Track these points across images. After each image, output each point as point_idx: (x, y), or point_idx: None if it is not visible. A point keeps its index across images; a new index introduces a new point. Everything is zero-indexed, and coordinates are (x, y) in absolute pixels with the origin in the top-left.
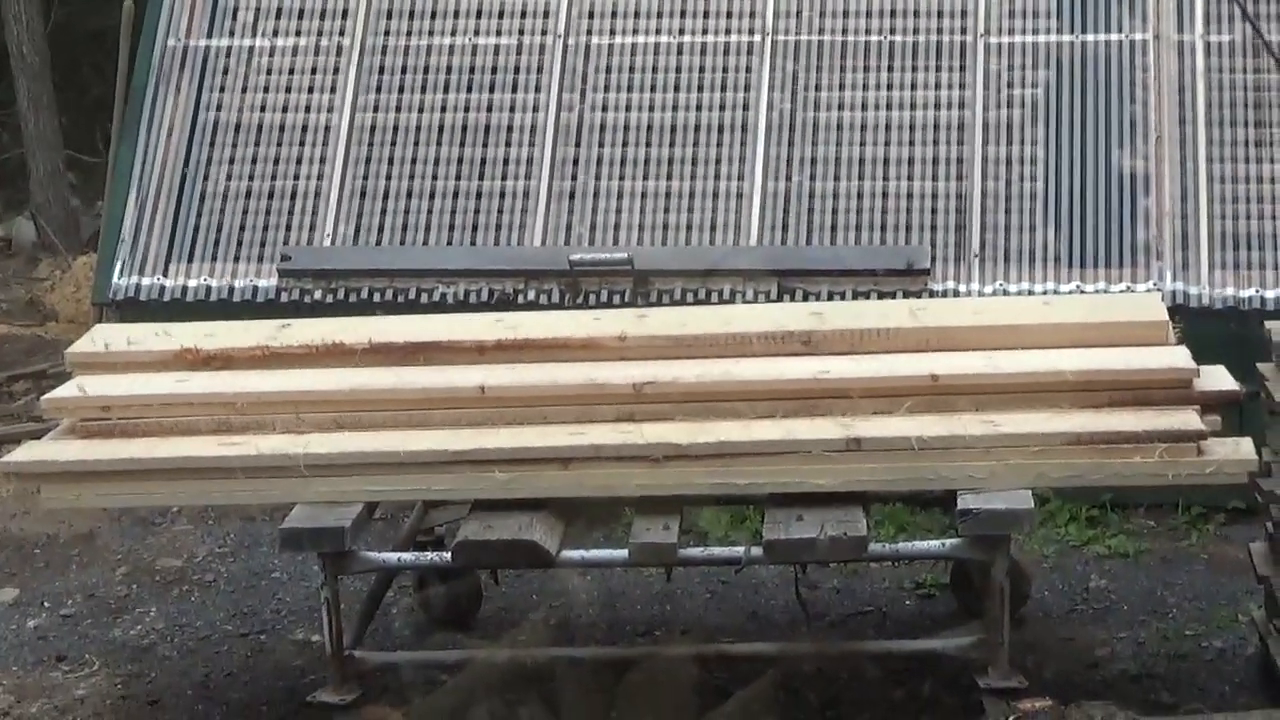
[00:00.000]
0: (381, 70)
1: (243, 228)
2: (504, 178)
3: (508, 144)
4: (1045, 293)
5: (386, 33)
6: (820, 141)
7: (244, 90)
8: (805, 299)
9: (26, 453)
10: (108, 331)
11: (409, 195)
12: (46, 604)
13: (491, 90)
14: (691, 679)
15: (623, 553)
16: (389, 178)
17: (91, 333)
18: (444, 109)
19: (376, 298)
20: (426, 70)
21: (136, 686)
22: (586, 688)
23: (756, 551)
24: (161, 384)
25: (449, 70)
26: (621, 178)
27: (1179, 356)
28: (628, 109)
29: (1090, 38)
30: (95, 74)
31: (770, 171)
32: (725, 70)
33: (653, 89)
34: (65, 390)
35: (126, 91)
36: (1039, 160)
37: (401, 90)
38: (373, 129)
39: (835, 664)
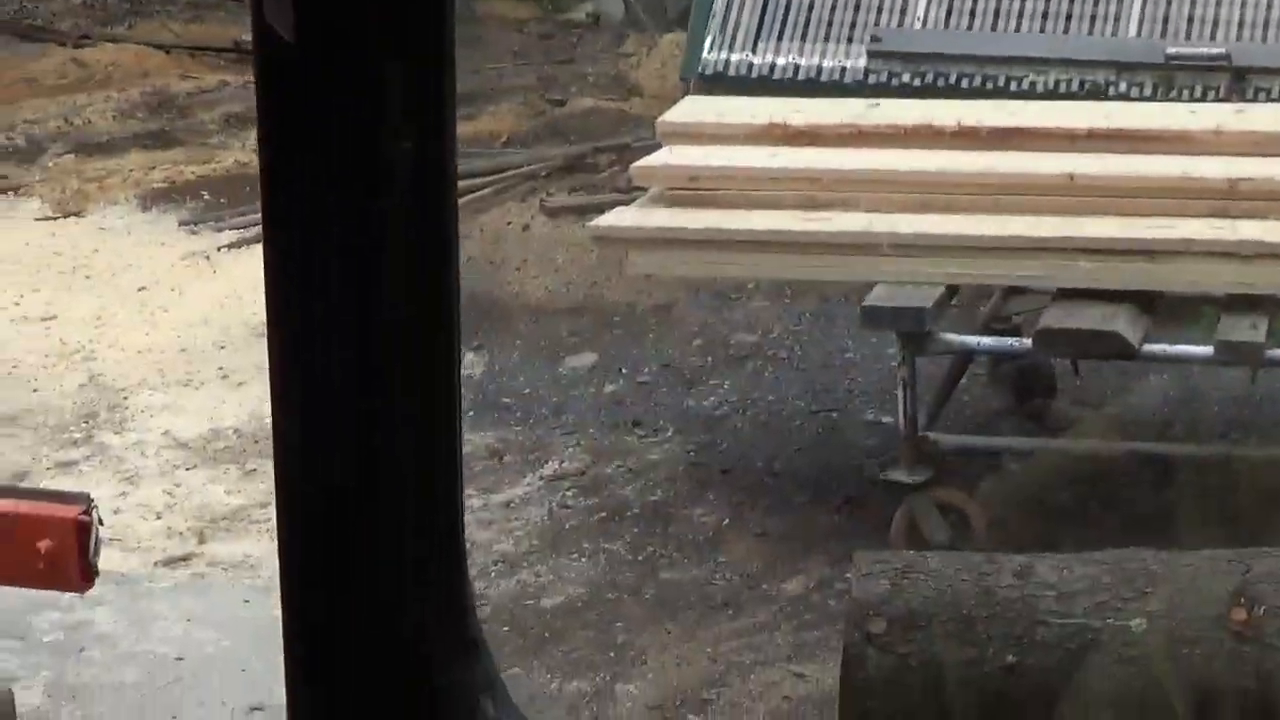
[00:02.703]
0: None
1: (833, 7)
2: None
3: None
4: None
5: None
6: None
7: None
8: None
9: (614, 218)
10: (698, 103)
11: None
12: (623, 370)
13: None
14: (1267, 485)
15: (1208, 349)
16: None
17: (682, 103)
18: None
19: (965, 84)
20: None
21: (709, 455)
22: (1156, 487)
23: None
24: (749, 157)
25: None
26: None
27: None
28: None
29: None
30: None
31: None
32: None
33: None
34: (655, 158)
35: None
36: None
37: None
38: None
39: None
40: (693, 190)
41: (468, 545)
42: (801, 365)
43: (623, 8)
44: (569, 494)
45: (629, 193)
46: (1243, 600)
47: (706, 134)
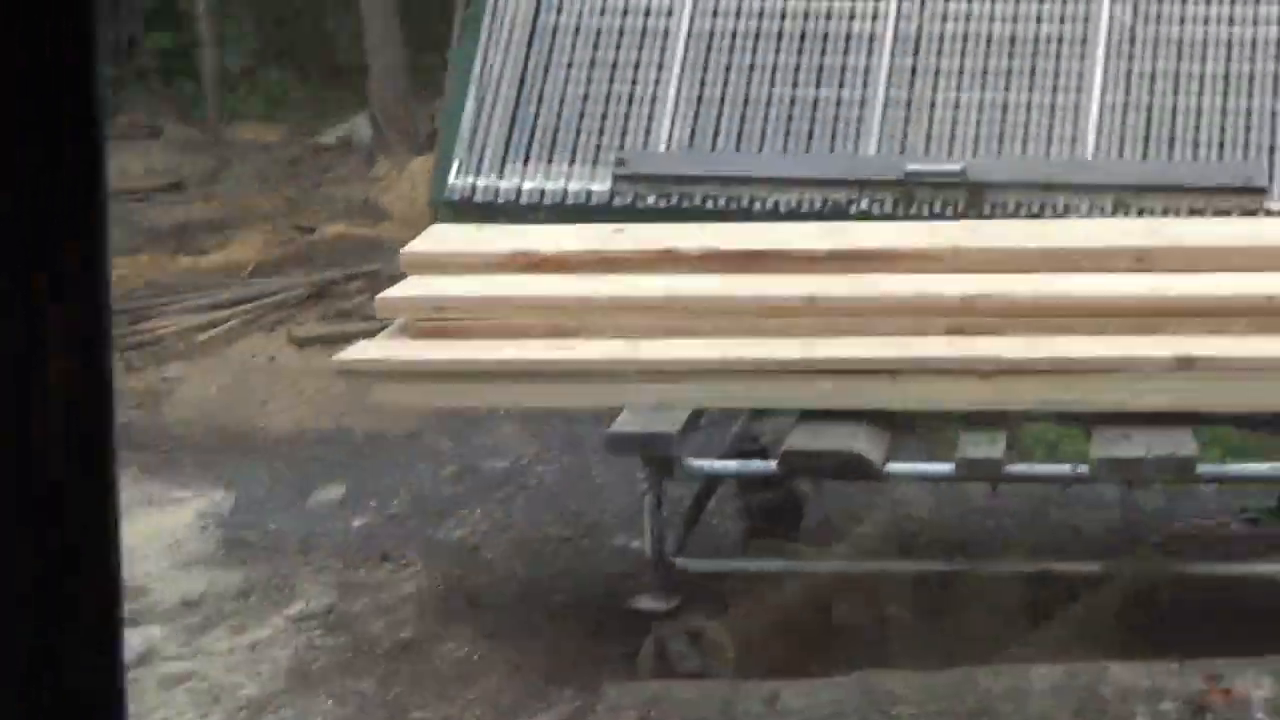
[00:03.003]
0: None
1: (579, 131)
2: (840, 86)
3: (845, 52)
4: None
5: None
6: (1160, 56)
7: None
8: (1140, 214)
9: (360, 351)
10: (443, 232)
11: (745, 102)
12: (373, 502)
13: None
14: (1012, 597)
15: (949, 466)
16: (726, 84)
17: (427, 233)
18: (783, 16)
19: (710, 205)
20: None
21: (459, 587)
22: (905, 602)
23: (1083, 469)
24: (495, 285)
25: None
26: (958, 88)
27: None
28: (967, 19)
29: None
30: None
31: (1108, 85)
32: None
33: (993, 0)
34: (399, 290)
35: None
36: None
37: None
38: (711, 34)
39: (1158, 585)
40: (438, 321)
41: (212, 689)
42: (553, 491)
43: (372, 131)
44: (316, 633)
45: (381, 320)
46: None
47: (451, 264)
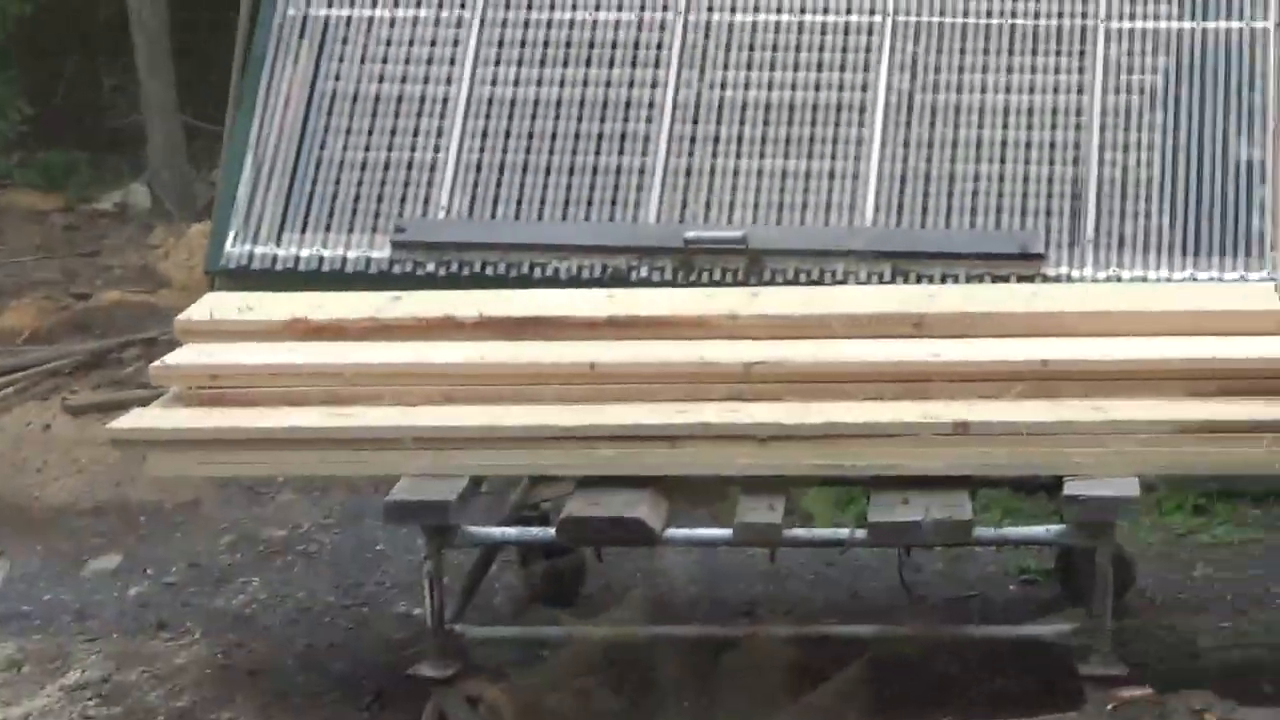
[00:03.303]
0: (501, 43)
1: (357, 198)
2: (620, 153)
3: (625, 120)
4: (1158, 280)
5: (507, 5)
6: (938, 124)
7: (363, 60)
8: (918, 281)
9: (134, 419)
10: (218, 299)
11: (524, 170)
12: (150, 571)
13: (611, 65)
14: (791, 660)
15: (727, 532)
16: (505, 151)
17: (202, 301)
18: (563, 83)
19: (489, 271)
20: (546, 44)
21: (237, 656)
22: (686, 667)
23: (861, 533)
24: (271, 353)
25: (569, 44)
26: (738, 156)
27: None
28: (746, 87)
29: (1211, 25)
30: (213, 40)
31: (887, 153)
32: (845, 50)
33: (772, 67)
34: (174, 358)
35: (245, 59)
36: (1156, 147)
37: (520, 64)
38: (490, 102)
39: (936, 648)
40: (214, 388)
41: None
42: (332, 559)
43: (150, 198)
44: (91, 703)
45: (157, 388)
46: None
47: (227, 331)
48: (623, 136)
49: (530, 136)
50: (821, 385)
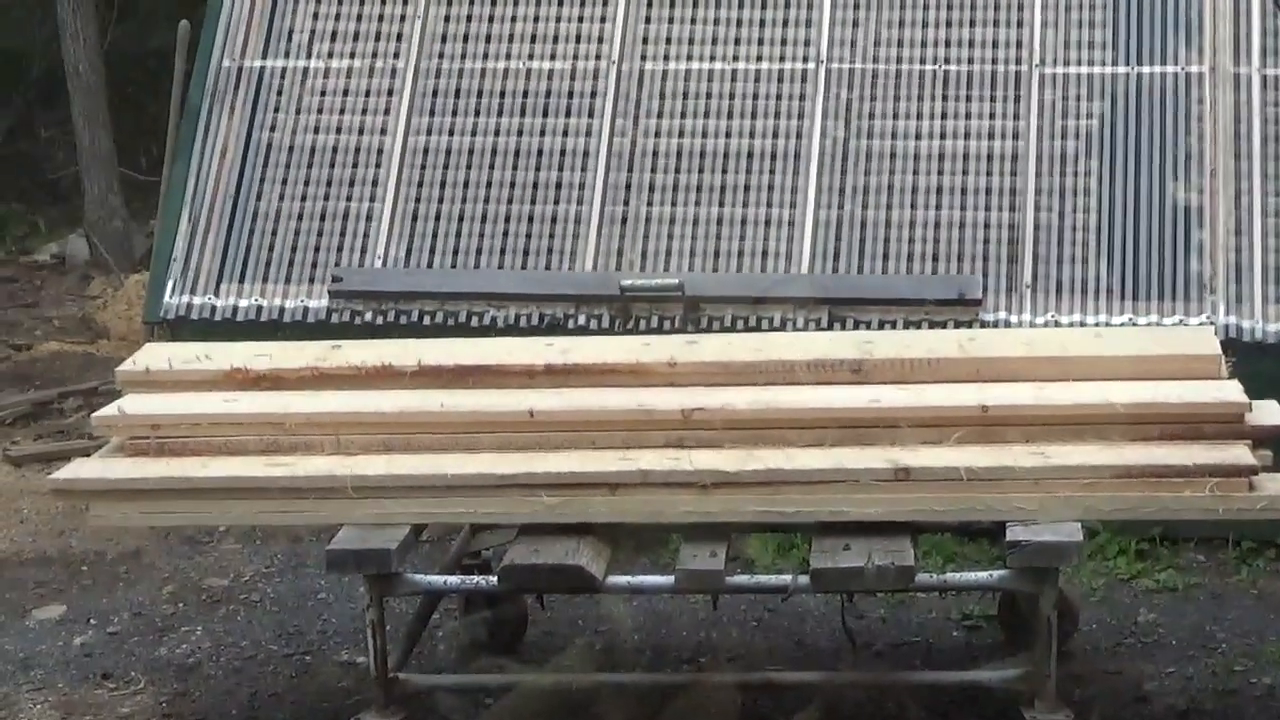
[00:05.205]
0: (435, 93)
1: (294, 249)
2: (556, 202)
3: (560, 168)
4: (1097, 324)
5: (441, 56)
6: (873, 170)
7: (298, 111)
8: (856, 328)
9: (74, 470)
10: (157, 350)
11: (461, 219)
12: (93, 621)
13: (545, 115)
14: (736, 707)
15: (669, 579)
16: (441, 201)
17: (141, 351)
18: (497, 133)
19: (427, 320)
20: (480, 94)
21: (181, 705)
22: (630, 714)
23: (803, 580)
24: (210, 403)
25: (503, 94)
26: (673, 204)
27: (1231, 390)
28: (681, 135)
29: (1146, 70)
30: (150, 93)
31: (823, 199)
32: (779, 98)
33: (706, 115)
34: (114, 408)
35: (181, 111)
36: (1092, 192)
37: (455, 114)
38: (425, 152)
39: (880, 694)
40: (155, 439)
41: None
42: (274, 608)
43: (88, 249)
44: None
45: (98, 438)
46: None
47: (167, 382)
48: (558, 185)
49: (466, 185)
50: (761, 432)
